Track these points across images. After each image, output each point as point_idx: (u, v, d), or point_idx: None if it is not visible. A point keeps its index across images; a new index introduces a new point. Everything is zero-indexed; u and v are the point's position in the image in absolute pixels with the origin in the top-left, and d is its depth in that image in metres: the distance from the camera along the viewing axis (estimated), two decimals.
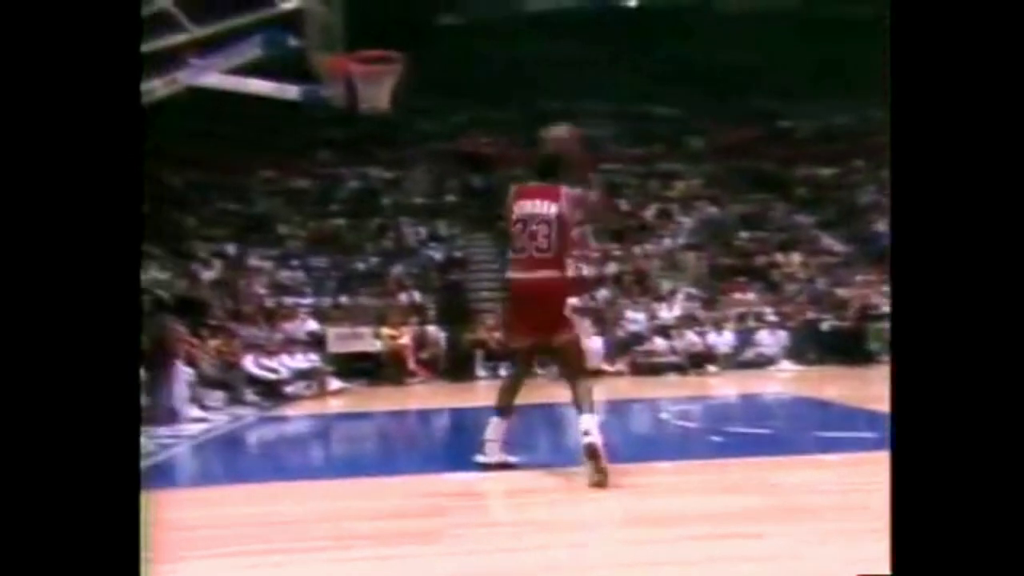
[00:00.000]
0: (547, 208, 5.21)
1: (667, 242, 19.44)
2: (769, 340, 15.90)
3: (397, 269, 17.98)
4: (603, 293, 17.16)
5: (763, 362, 15.54)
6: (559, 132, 5.46)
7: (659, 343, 15.52)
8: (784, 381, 13.90)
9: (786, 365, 15.47)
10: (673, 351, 15.41)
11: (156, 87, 8.62)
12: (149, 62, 8.65)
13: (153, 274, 16.20)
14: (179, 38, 8.84)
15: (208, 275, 16.80)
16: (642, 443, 7.79)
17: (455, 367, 15.16)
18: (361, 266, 18.31)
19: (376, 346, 15.09)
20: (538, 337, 5.29)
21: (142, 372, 9.81)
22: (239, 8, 8.67)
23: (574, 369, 5.32)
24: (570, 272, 5.42)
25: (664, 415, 9.34)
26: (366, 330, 15.25)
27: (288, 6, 8.59)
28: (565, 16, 26.43)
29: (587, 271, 17.80)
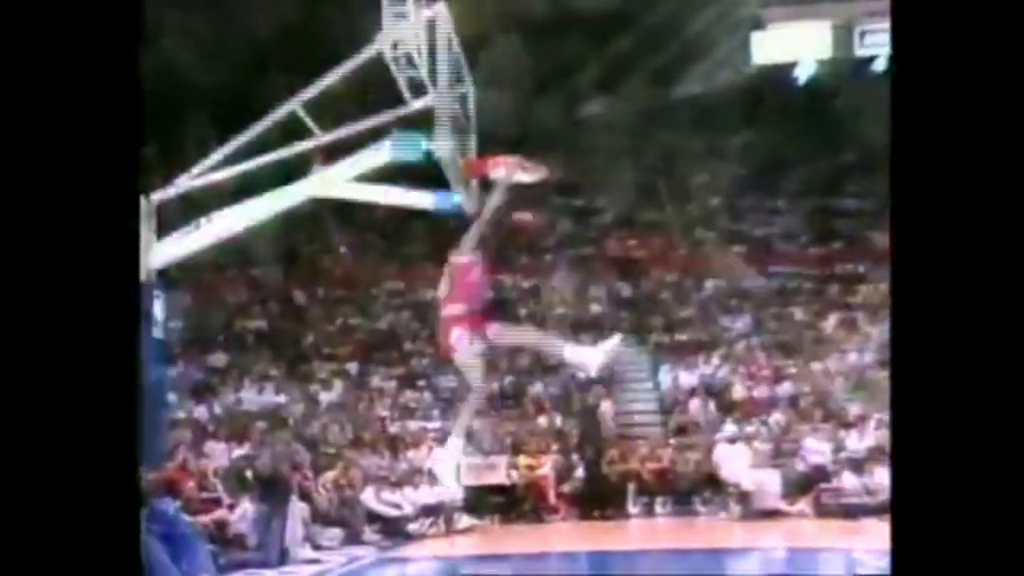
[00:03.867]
0: None
1: (852, 357, 18.67)
2: None
3: (535, 389, 17.98)
4: (776, 417, 16.52)
5: None
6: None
7: (849, 479, 14.65)
8: None
9: None
10: (867, 490, 14.48)
11: (280, 198, 9.15)
12: (275, 171, 9.22)
13: (269, 397, 16.87)
14: (306, 144, 9.40)
15: (327, 397, 17.30)
16: None
17: (603, 502, 14.82)
18: (495, 386, 18.44)
19: (512, 477, 15.00)
20: None
21: (252, 507, 10.09)
22: (368, 110, 9.17)
23: None
24: None
25: (862, 570, 8.76)
26: (500, 459, 15.21)
27: (419, 105, 8.99)
28: (720, 100, 26.47)
29: (756, 392, 17.25)
